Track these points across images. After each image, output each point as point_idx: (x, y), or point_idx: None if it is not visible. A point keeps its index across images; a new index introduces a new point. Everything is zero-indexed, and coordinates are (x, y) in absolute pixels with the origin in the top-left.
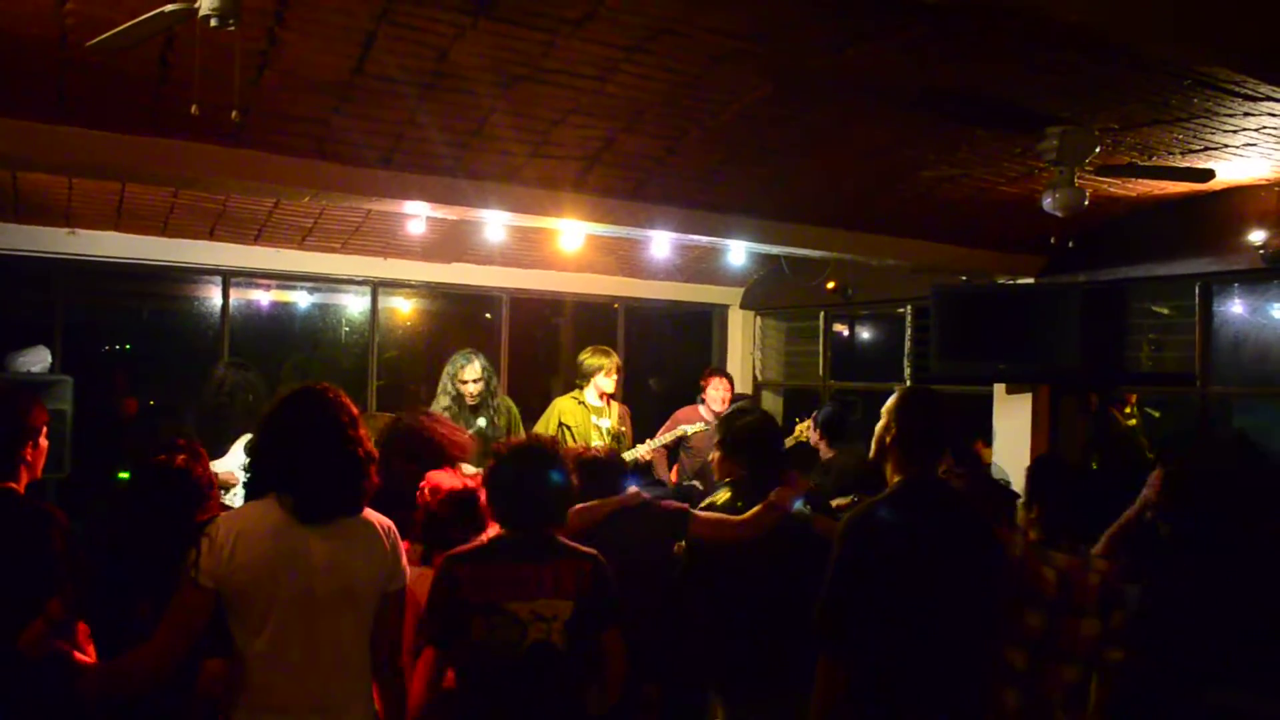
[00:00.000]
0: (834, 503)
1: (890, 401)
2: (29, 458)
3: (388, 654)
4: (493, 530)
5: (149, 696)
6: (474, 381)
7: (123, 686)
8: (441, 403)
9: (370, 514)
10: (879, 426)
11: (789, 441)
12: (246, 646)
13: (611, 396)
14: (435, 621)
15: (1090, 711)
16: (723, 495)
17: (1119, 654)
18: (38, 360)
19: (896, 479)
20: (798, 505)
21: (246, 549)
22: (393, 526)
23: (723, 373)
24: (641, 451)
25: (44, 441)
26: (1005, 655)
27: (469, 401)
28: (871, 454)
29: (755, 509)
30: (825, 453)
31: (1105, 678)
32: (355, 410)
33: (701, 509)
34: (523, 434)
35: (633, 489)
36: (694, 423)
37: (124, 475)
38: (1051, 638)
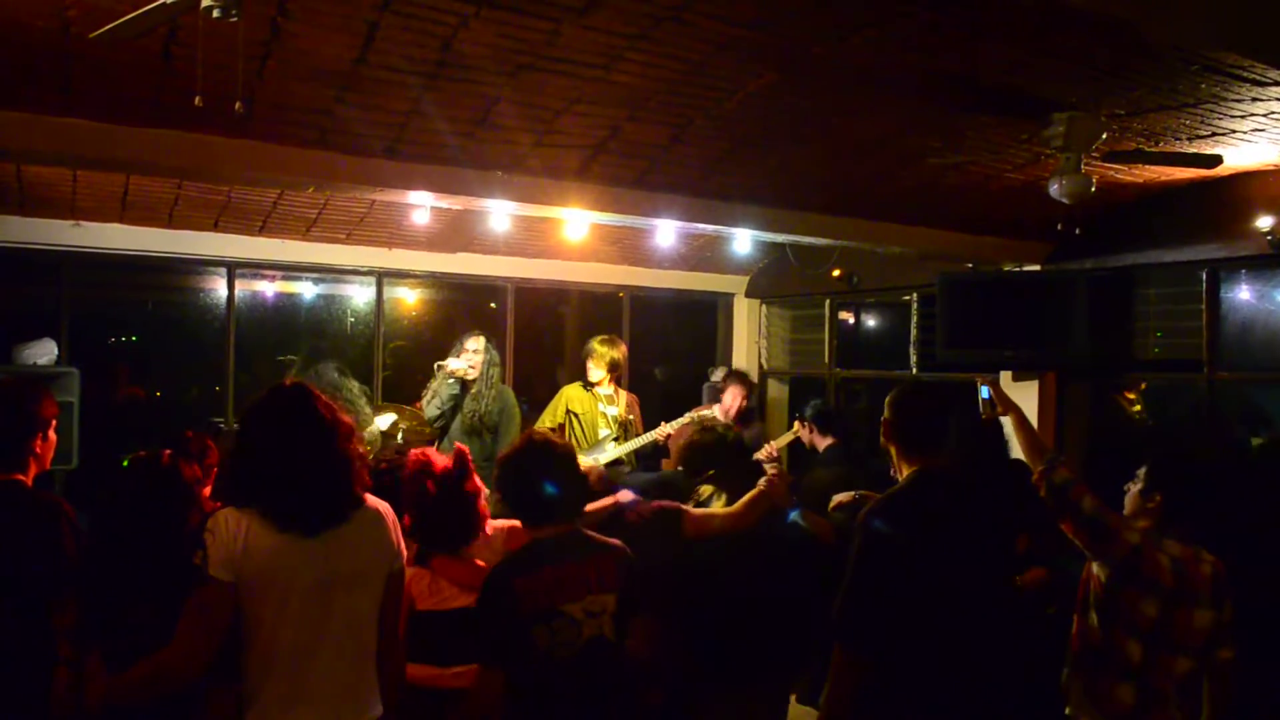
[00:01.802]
0: (834, 500)
1: (887, 401)
2: (38, 450)
3: (391, 632)
4: (490, 527)
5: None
6: (474, 353)
7: (148, 691)
8: (434, 380)
9: (368, 498)
10: (881, 426)
11: (788, 437)
12: (263, 638)
13: (619, 384)
14: (492, 640)
15: (1206, 715)
16: (706, 490)
17: (1229, 652)
18: (44, 352)
19: (906, 472)
20: (793, 516)
21: (259, 537)
22: (389, 508)
23: (740, 378)
24: (657, 435)
25: (53, 434)
26: (1121, 647)
27: (459, 373)
28: (881, 437)
29: (745, 498)
30: (820, 443)
31: (1219, 678)
32: (333, 408)
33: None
34: (516, 427)
35: (624, 493)
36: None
37: (126, 464)
38: (1166, 628)
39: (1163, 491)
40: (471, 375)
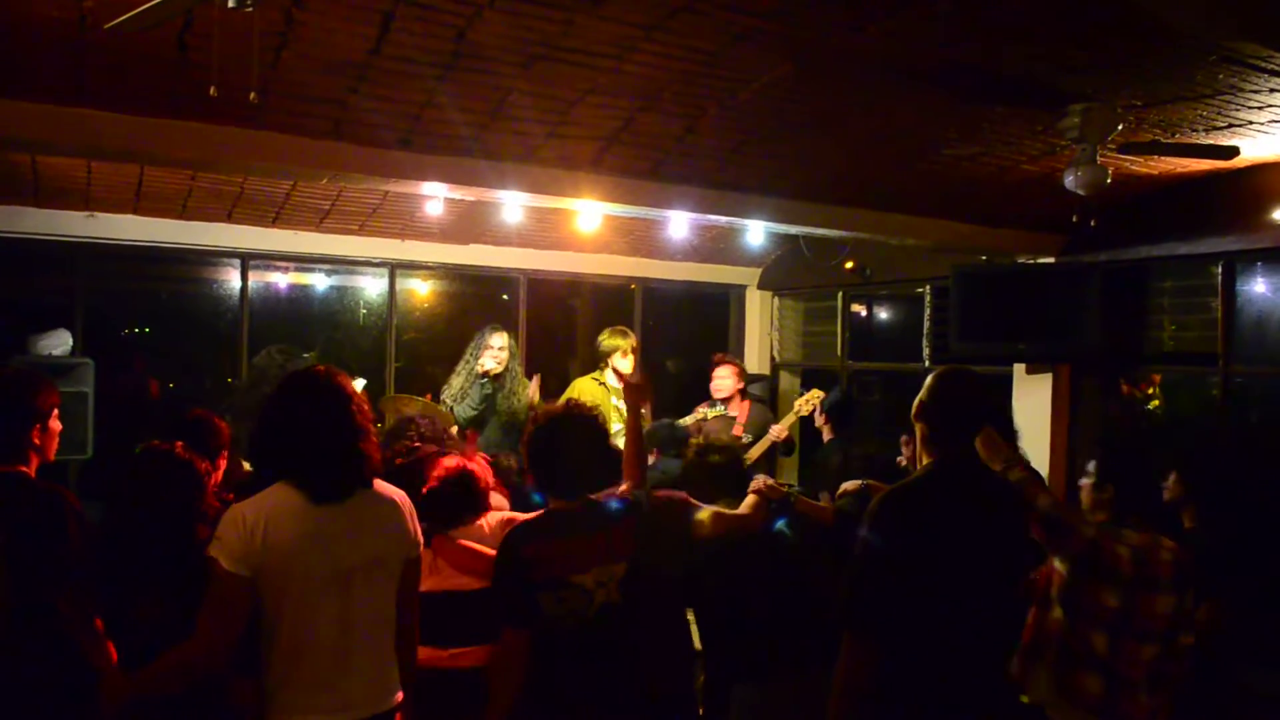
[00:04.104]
0: (842, 487)
1: (929, 380)
2: (37, 441)
3: (409, 620)
4: (494, 510)
5: (177, 707)
6: (499, 349)
7: (172, 684)
8: (456, 374)
9: (383, 486)
10: (915, 404)
11: (791, 418)
12: (286, 629)
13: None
14: (509, 604)
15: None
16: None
17: (1189, 638)
18: (59, 343)
19: (927, 460)
20: (778, 525)
21: (276, 531)
22: (405, 497)
23: (728, 360)
24: None
25: (55, 424)
26: (1086, 639)
27: (482, 371)
28: (913, 413)
29: (747, 500)
30: (826, 434)
31: (1175, 662)
32: (350, 388)
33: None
34: (518, 405)
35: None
36: (712, 406)
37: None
38: (1129, 617)
39: (1113, 483)
40: (497, 370)
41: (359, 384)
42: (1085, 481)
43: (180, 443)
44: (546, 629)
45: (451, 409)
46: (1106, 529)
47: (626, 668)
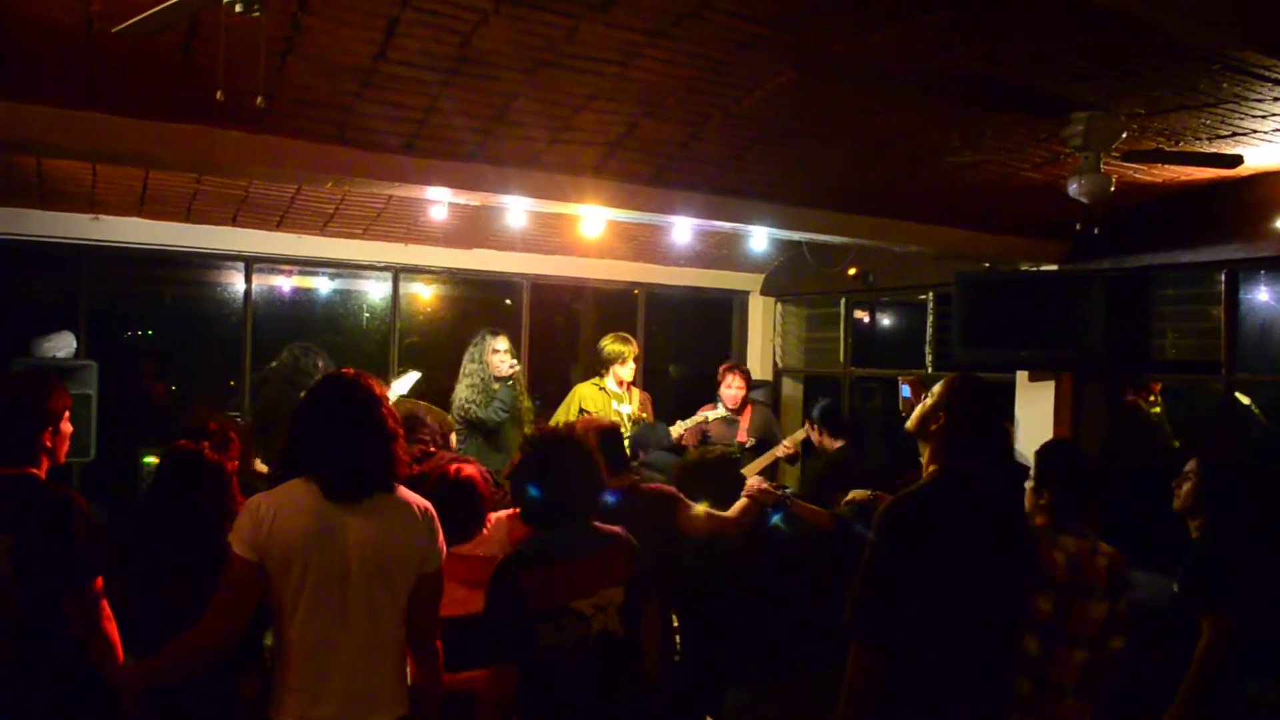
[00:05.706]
0: (850, 495)
1: (940, 388)
2: (49, 443)
3: (425, 634)
4: (491, 517)
5: (191, 701)
6: (505, 351)
7: (178, 670)
8: (466, 384)
9: (407, 494)
10: (923, 410)
11: (802, 434)
12: (289, 625)
13: (632, 383)
14: (502, 635)
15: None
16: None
17: (1120, 641)
18: (63, 345)
19: (934, 468)
20: (774, 520)
21: (286, 522)
22: (430, 508)
23: (738, 368)
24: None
25: (66, 426)
26: (1018, 642)
27: (496, 373)
28: (911, 426)
29: (736, 506)
30: (830, 445)
31: (1107, 666)
32: (381, 391)
33: None
34: (526, 405)
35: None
36: (714, 409)
37: (150, 460)
38: (1061, 622)
39: (1049, 488)
40: (513, 370)
41: (412, 376)
42: (1026, 485)
43: (206, 443)
44: (545, 660)
45: (462, 416)
46: (1044, 534)
47: (626, 695)
